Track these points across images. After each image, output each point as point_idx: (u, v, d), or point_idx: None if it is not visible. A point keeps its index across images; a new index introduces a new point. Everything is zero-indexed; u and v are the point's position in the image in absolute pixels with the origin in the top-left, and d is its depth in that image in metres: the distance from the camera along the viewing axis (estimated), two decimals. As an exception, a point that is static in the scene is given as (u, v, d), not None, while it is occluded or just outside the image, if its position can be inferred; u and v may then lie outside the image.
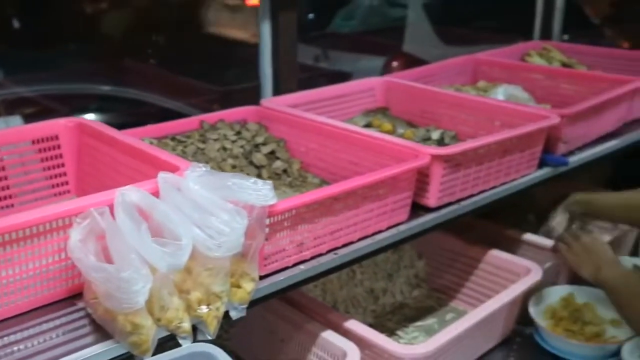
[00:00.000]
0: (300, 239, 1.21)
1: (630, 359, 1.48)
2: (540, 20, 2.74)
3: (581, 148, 1.80)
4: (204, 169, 1.12)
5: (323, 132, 1.55)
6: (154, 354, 1.04)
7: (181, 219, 1.04)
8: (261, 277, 1.17)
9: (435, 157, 1.38)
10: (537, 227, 2.06)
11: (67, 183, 1.40)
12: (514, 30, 2.78)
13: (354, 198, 1.27)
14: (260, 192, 1.09)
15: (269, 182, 1.10)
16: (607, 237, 1.81)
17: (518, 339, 1.67)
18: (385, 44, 3.04)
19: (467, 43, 2.31)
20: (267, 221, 1.13)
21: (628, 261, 1.82)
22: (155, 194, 1.10)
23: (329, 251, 1.27)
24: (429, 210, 1.44)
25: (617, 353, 1.51)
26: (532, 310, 1.64)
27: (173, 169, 1.15)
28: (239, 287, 1.11)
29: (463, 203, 1.49)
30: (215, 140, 1.58)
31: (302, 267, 1.23)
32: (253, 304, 1.15)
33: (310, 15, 3.13)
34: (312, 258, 1.25)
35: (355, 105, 1.89)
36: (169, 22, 1.95)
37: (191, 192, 1.09)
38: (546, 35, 2.73)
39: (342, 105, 1.86)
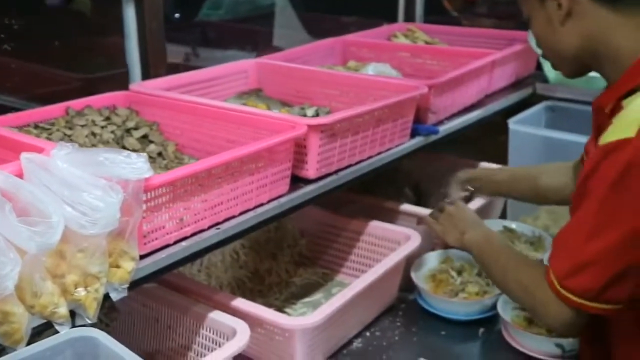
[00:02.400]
0: (180, 215, 1.18)
1: (504, 310, 1.55)
2: (403, 5, 2.83)
3: (449, 118, 1.88)
4: (72, 147, 1.07)
5: (197, 112, 1.52)
6: (28, 344, 0.97)
7: (50, 197, 0.98)
8: (142, 257, 1.13)
9: (311, 128, 1.39)
10: (413, 200, 2.13)
11: None
12: (378, 16, 2.85)
13: (233, 171, 1.25)
14: (134, 165, 1.05)
15: (144, 154, 1.06)
16: (476, 204, 1.89)
17: (403, 305, 1.71)
18: (255, 34, 3.04)
19: (333, 30, 2.34)
20: (144, 197, 1.09)
21: (498, 223, 1.92)
22: (20, 176, 1.03)
23: (210, 226, 1.25)
24: (309, 181, 1.45)
25: (495, 306, 1.59)
26: (414, 276, 1.69)
27: (38, 150, 1.08)
28: (118, 267, 1.07)
29: (341, 173, 1.51)
30: (83, 126, 1.50)
31: (183, 244, 1.20)
32: (135, 284, 1.11)
33: (177, 15, 3.07)
34: (194, 234, 1.22)
35: (229, 87, 1.87)
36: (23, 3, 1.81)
37: (60, 171, 1.03)
38: (409, 19, 2.83)
39: (215, 88, 1.83)
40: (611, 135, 1.08)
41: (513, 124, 1.97)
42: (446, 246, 1.80)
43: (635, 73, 1.12)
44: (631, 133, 1.05)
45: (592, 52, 1.17)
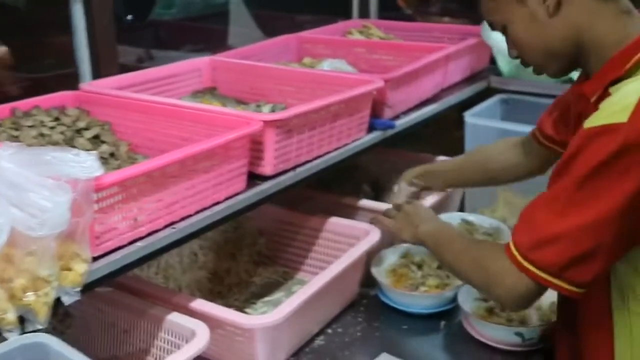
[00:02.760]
0: (134, 215, 1.15)
1: (464, 302, 1.56)
2: (357, 2, 2.83)
3: (405, 112, 1.88)
4: (17, 146, 1.03)
5: (150, 111, 1.49)
6: (-25, 352, 0.93)
7: (-5, 199, 0.94)
8: (95, 259, 1.09)
9: (267, 124, 1.37)
10: (372, 196, 2.13)
11: None
12: (332, 13, 2.85)
13: (187, 169, 1.22)
14: (84, 164, 1.01)
15: (94, 152, 1.03)
16: (434, 198, 1.89)
17: (364, 301, 1.70)
18: (209, 33, 3.00)
19: (287, 28, 2.32)
20: (95, 196, 1.06)
21: (456, 216, 1.92)
22: (-39, 178, 0.99)
23: (166, 226, 1.22)
24: (266, 178, 1.43)
25: (455, 299, 1.59)
26: (374, 271, 1.69)
27: (-19, 151, 1.04)
28: (69, 269, 1.03)
29: (299, 170, 1.49)
30: (31, 127, 1.45)
31: (139, 244, 1.16)
32: (88, 287, 1.07)
33: (129, 17, 3.01)
34: (149, 234, 1.19)
35: (182, 86, 1.84)
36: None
37: (4, 172, 0.99)
38: (364, 16, 2.83)
39: (168, 87, 1.79)
40: (598, 119, 1.07)
41: (469, 116, 1.98)
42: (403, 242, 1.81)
43: (622, 61, 1.12)
44: (622, 118, 1.04)
45: (579, 43, 1.16)
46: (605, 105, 1.11)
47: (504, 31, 1.23)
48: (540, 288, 1.12)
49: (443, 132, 2.56)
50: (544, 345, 1.47)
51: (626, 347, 1.18)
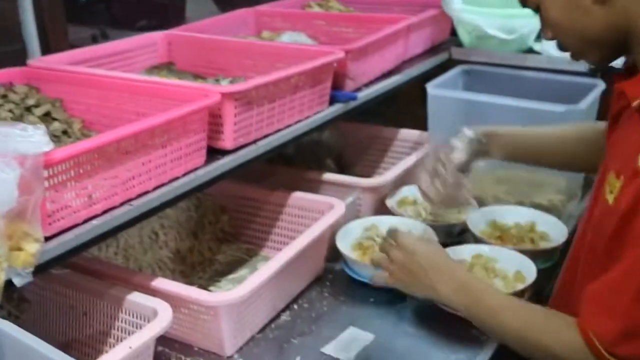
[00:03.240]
0: (88, 192, 1.10)
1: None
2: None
3: (367, 85, 1.86)
4: (-41, 122, 0.97)
5: (103, 86, 1.43)
6: None
7: (-64, 177, 0.89)
8: (48, 238, 1.05)
9: (225, 96, 1.33)
10: (336, 171, 2.10)
11: None
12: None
13: (143, 143, 1.18)
14: (32, 138, 0.96)
15: (42, 126, 0.98)
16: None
17: (330, 276, 1.68)
18: (165, 9, 2.93)
19: (245, 3, 2.27)
20: (45, 173, 1.01)
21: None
22: None
23: (122, 203, 1.18)
24: (226, 153, 1.39)
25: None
26: (340, 245, 1.66)
27: None
28: (20, 249, 0.98)
29: (260, 143, 1.46)
30: (-23, 105, 1.39)
31: (94, 222, 1.12)
32: (41, 268, 1.03)
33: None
34: (105, 212, 1.15)
35: (137, 62, 1.78)
36: None
37: (-54, 149, 0.94)
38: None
39: (122, 62, 1.74)
40: None
41: (431, 88, 1.97)
42: (375, 211, 1.80)
43: None
44: None
45: (628, 32, 1.01)
46: None
47: (537, 9, 1.09)
48: None
49: (406, 106, 2.55)
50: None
51: None
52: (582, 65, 2.05)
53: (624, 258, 0.95)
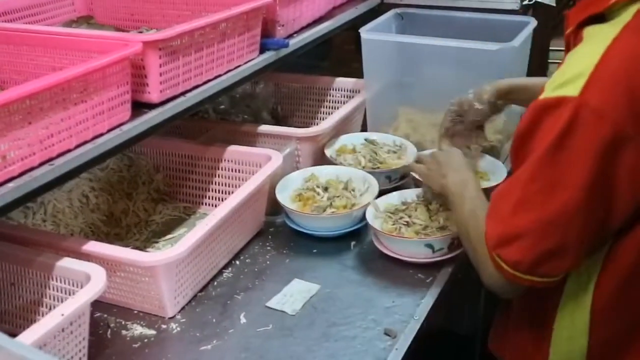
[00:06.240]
0: (2, 152, 1.02)
1: (373, 219, 1.53)
2: None
3: (299, 32, 1.80)
4: None
5: (14, 40, 1.33)
6: None
7: None
8: (-41, 205, 0.97)
9: (147, 45, 1.25)
10: (272, 123, 2.05)
11: None
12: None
13: (60, 98, 1.10)
14: None
15: (-60, 81, 0.89)
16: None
17: (271, 229, 1.65)
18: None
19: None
20: (-49, 133, 0.93)
21: (359, 136, 1.89)
22: None
23: (42, 163, 1.10)
24: (153, 106, 1.32)
25: (364, 217, 1.56)
26: (280, 197, 1.63)
27: None
28: None
29: (189, 95, 1.39)
30: None
31: (10, 185, 1.04)
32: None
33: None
34: (23, 173, 1.07)
35: (52, 16, 1.70)
36: None
37: None
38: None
39: (35, 17, 1.65)
40: (552, 88, 0.99)
41: (365, 32, 1.92)
42: (313, 162, 1.76)
43: None
44: (574, 91, 0.96)
45: None
46: (562, 69, 1.01)
47: None
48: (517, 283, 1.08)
49: (340, 60, 2.50)
50: (454, 254, 1.46)
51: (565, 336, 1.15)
52: (514, 3, 2.06)
53: (516, 170, 1.06)
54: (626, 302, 1.10)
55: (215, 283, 1.45)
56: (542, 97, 1.01)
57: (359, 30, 1.94)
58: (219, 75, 1.48)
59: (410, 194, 1.60)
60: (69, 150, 1.14)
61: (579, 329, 1.13)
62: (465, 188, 1.29)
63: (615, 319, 1.12)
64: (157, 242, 1.59)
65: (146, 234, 1.62)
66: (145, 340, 1.29)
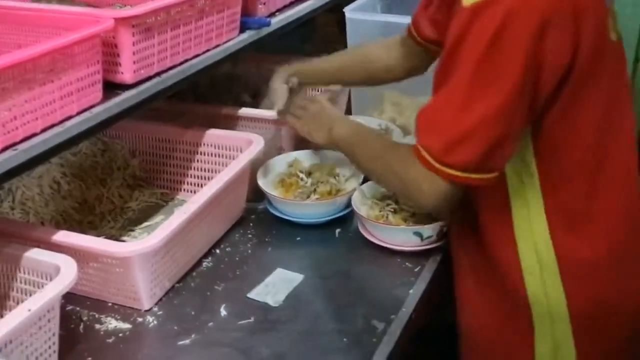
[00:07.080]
0: (-39, 136, 0.95)
1: (359, 206, 1.47)
2: None
3: (281, 9, 1.72)
4: None
5: (-23, 17, 1.25)
6: None
7: None
8: None
9: (120, 21, 1.18)
10: (253, 105, 1.98)
11: None
12: None
13: (24, 77, 1.02)
14: None
15: None
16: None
17: (253, 216, 1.59)
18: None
19: None
20: None
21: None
22: None
23: (5, 148, 1.02)
24: (127, 87, 1.24)
25: (349, 204, 1.50)
26: (261, 183, 1.56)
27: None
28: None
29: (165, 75, 1.32)
30: None
31: (-29, 171, 0.97)
32: None
33: None
34: (-16, 159, 0.99)
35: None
36: None
37: None
38: None
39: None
40: None
41: (349, 12, 1.85)
42: (296, 146, 1.71)
43: None
44: None
45: None
46: None
47: None
48: (458, 186, 1.09)
49: (323, 42, 2.43)
50: (443, 243, 1.41)
51: (528, 237, 1.16)
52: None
53: (450, 81, 1.05)
54: (570, 172, 1.13)
55: (194, 273, 1.39)
56: (468, 2, 1.02)
57: (344, 10, 1.87)
58: (197, 55, 1.41)
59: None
60: (34, 134, 1.07)
61: (536, 219, 1.14)
62: (360, 131, 1.35)
63: (564, 190, 1.13)
64: (133, 230, 1.52)
65: (121, 222, 1.55)
66: (120, 335, 1.23)
